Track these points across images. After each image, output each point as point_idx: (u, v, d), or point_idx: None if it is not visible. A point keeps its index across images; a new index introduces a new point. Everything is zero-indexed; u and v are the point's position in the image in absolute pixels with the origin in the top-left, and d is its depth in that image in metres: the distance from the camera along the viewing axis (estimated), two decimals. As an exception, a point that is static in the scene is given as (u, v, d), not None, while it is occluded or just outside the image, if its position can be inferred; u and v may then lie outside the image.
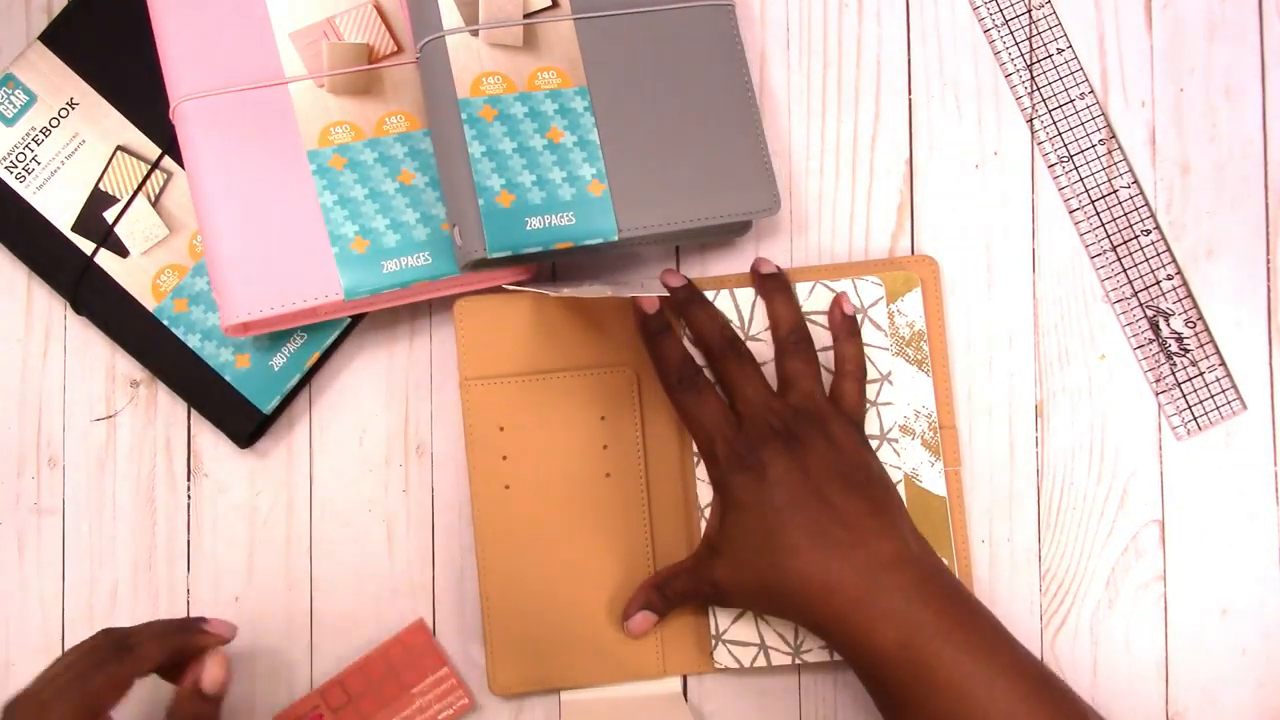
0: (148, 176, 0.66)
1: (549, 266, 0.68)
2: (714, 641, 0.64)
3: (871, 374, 0.65)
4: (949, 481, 0.66)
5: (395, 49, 0.65)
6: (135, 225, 0.66)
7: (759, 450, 0.60)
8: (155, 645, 0.57)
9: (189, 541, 0.67)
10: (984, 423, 0.67)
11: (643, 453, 0.65)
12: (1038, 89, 0.69)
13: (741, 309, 0.65)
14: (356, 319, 0.66)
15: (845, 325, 0.64)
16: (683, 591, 0.63)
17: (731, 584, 0.61)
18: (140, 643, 0.57)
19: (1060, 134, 0.68)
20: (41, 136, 0.66)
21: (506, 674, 0.65)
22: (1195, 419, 0.67)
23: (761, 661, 0.64)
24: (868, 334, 0.65)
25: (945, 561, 0.64)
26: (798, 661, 0.64)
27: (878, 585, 0.57)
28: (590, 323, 0.66)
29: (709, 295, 0.65)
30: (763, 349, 0.65)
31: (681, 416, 0.63)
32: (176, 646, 0.58)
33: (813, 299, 0.65)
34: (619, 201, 0.62)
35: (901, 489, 0.64)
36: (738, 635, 0.64)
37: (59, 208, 0.66)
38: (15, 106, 0.66)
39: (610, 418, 0.65)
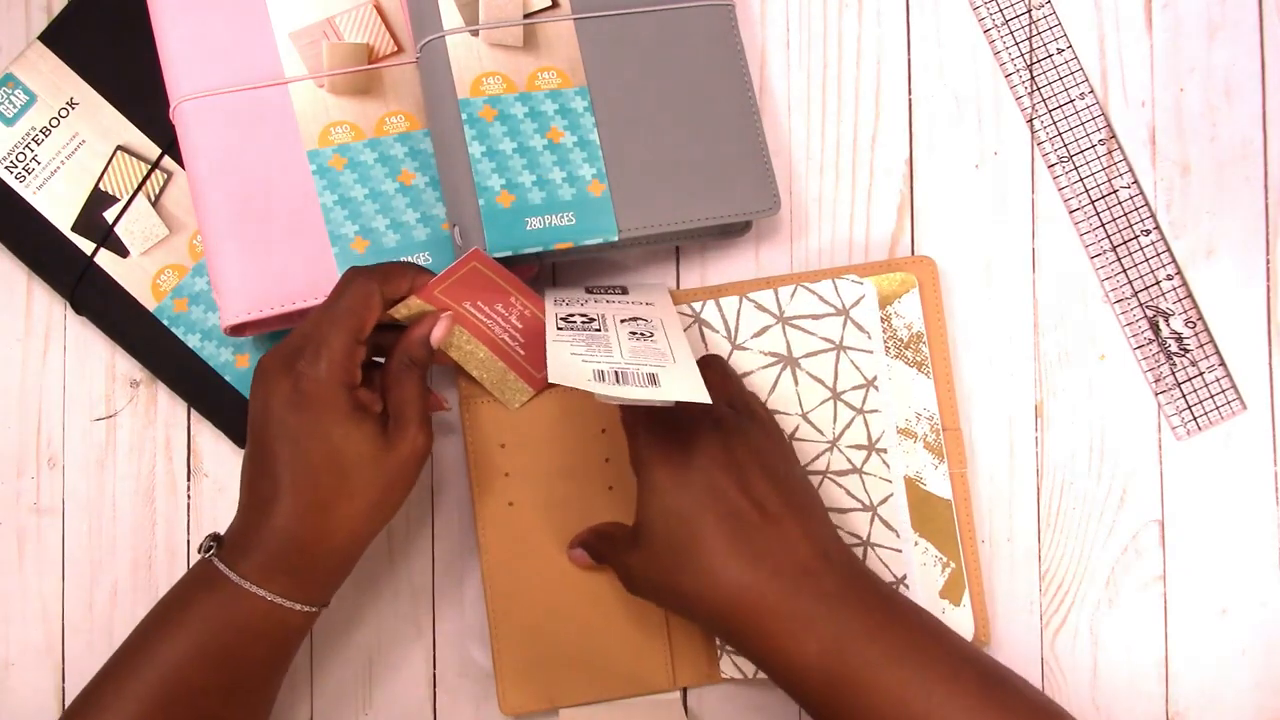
0: (148, 176, 0.66)
1: (549, 266, 0.68)
2: (720, 652, 0.64)
3: (856, 380, 0.64)
4: (954, 484, 0.65)
5: (395, 49, 0.65)
6: (135, 225, 0.66)
7: (688, 429, 0.56)
8: (396, 267, 0.58)
9: (189, 541, 0.67)
10: (983, 423, 0.67)
11: None
12: (1038, 89, 0.69)
13: (728, 318, 0.65)
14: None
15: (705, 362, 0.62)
16: (608, 559, 0.61)
17: (642, 577, 0.57)
18: (381, 266, 0.58)
19: (1060, 134, 0.68)
20: (41, 136, 0.66)
21: (517, 694, 0.64)
22: (1195, 419, 0.67)
23: None
24: (849, 338, 0.65)
25: (954, 565, 0.64)
26: None
27: (798, 589, 0.54)
28: None
29: (697, 307, 0.65)
30: (749, 358, 0.65)
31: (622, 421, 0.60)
32: (415, 275, 0.58)
33: (794, 303, 0.65)
34: (619, 201, 0.62)
35: (904, 492, 0.64)
36: None
37: (59, 208, 0.66)
38: (15, 106, 0.66)
39: (611, 431, 0.65)
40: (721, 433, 0.57)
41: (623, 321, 0.60)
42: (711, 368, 0.62)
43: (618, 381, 0.53)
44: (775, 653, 0.54)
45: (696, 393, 0.52)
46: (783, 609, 0.54)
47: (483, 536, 0.65)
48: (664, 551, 0.56)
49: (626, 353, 0.56)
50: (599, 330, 0.59)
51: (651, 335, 0.59)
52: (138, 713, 0.54)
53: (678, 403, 0.52)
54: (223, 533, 0.58)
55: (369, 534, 0.57)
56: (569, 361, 0.55)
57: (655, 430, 0.57)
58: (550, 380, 0.53)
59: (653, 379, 0.54)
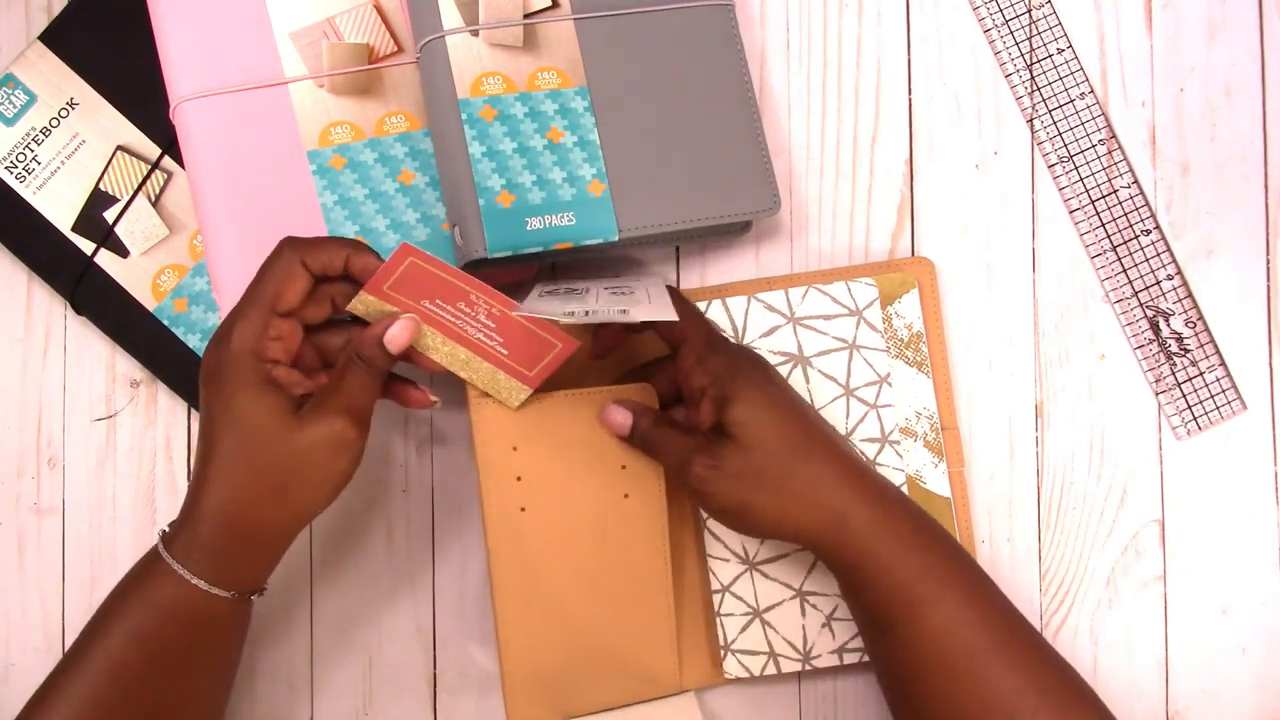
0: (148, 176, 0.66)
1: (549, 266, 0.68)
2: (723, 652, 0.64)
3: (869, 376, 0.65)
4: (953, 483, 0.66)
5: (395, 49, 0.65)
6: (135, 225, 0.66)
7: (747, 356, 0.59)
8: (328, 241, 0.56)
9: (189, 541, 0.67)
10: (984, 423, 0.67)
11: (663, 473, 0.62)
12: (1038, 89, 0.69)
13: (734, 317, 0.65)
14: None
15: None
16: (661, 445, 0.59)
17: (742, 469, 0.57)
18: (314, 240, 0.56)
19: (1060, 134, 0.68)
20: (41, 136, 0.66)
21: (526, 705, 0.62)
22: (1195, 419, 0.67)
23: (772, 669, 0.64)
24: (862, 337, 0.65)
25: None
26: (807, 667, 0.64)
27: (883, 488, 0.58)
28: None
29: (702, 306, 0.65)
30: None
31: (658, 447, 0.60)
32: (350, 252, 0.56)
33: (806, 303, 0.65)
34: (619, 201, 0.62)
35: (904, 491, 0.64)
36: (747, 644, 0.64)
37: (59, 208, 0.66)
38: (15, 106, 0.66)
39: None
40: (770, 368, 0.59)
41: (605, 288, 0.60)
42: (689, 310, 0.61)
43: (586, 316, 0.54)
44: (866, 538, 0.57)
45: (665, 313, 0.54)
46: (880, 500, 0.57)
47: (493, 543, 0.61)
48: (771, 441, 0.56)
49: (602, 300, 0.57)
50: (580, 294, 0.59)
51: (632, 292, 0.59)
52: (84, 695, 0.55)
53: (650, 323, 0.54)
54: None
55: (292, 518, 0.55)
56: (544, 307, 0.56)
57: (723, 345, 0.58)
58: (521, 313, 0.53)
59: (623, 312, 0.54)
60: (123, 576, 0.57)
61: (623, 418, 0.60)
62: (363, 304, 0.57)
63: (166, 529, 0.57)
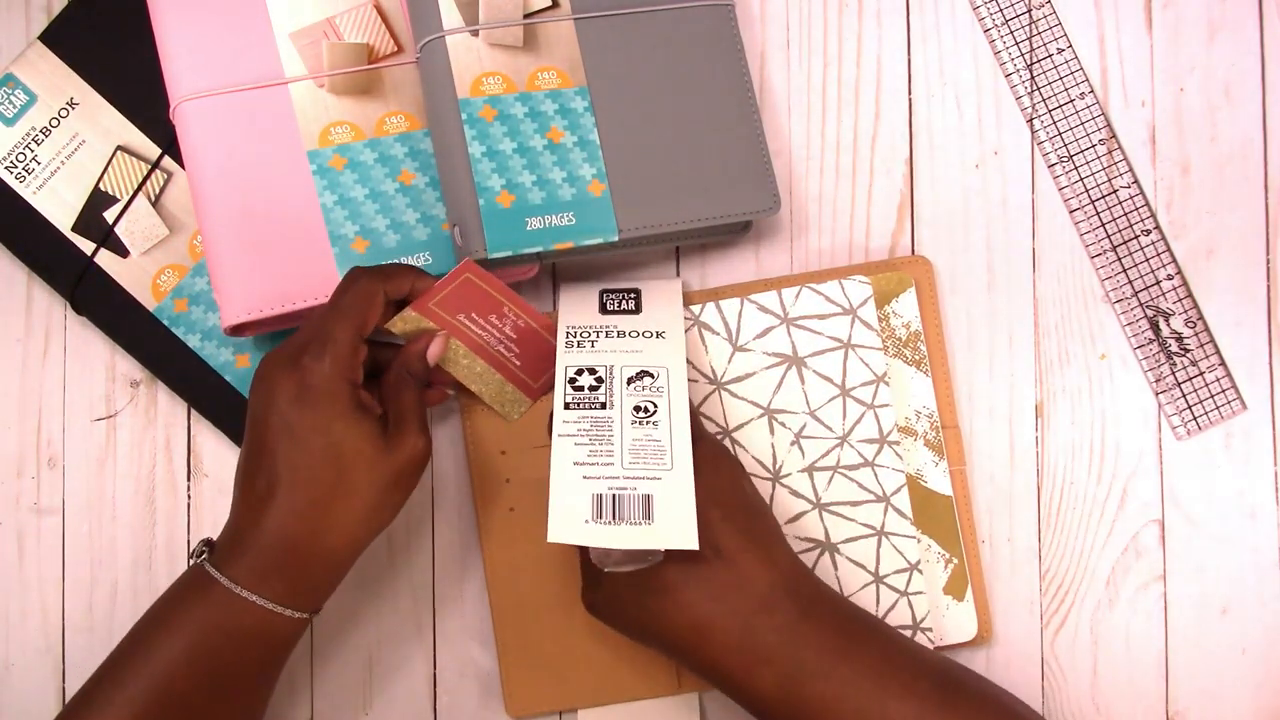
0: (148, 176, 0.66)
1: (549, 266, 0.68)
2: None
3: (866, 376, 0.65)
4: (954, 481, 0.66)
5: (395, 49, 0.65)
6: (135, 225, 0.66)
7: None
8: (399, 269, 0.59)
9: (189, 542, 0.67)
10: (984, 423, 0.67)
11: None
12: (1038, 89, 0.69)
13: (728, 320, 0.65)
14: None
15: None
16: (583, 573, 0.60)
17: (607, 615, 0.58)
18: (386, 267, 0.59)
19: (1060, 134, 0.68)
20: (41, 136, 0.66)
21: (523, 696, 0.64)
22: (1195, 419, 0.67)
23: None
24: (857, 335, 0.65)
25: (956, 561, 0.64)
26: None
27: (754, 627, 0.55)
28: None
29: (696, 309, 0.65)
30: (752, 359, 0.65)
31: None
32: (415, 278, 0.59)
33: (799, 303, 0.65)
34: (619, 201, 0.62)
35: (906, 490, 0.64)
36: None
37: (59, 208, 0.66)
38: (15, 106, 0.66)
39: None
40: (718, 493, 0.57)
41: (629, 383, 0.60)
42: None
43: (614, 518, 0.55)
44: (734, 685, 0.55)
45: (687, 539, 0.54)
46: (740, 644, 0.55)
47: (486, 543, 0.65)
48: (625, 591, 0.56)
49: (627, 456, 0.57)
50: (603, 408, 0.59)
51: (654, 411, 0.59)
52: (129, 716, 0.54)
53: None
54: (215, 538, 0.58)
55: (364, 538, 0.57)
56: (570, 486, 0.56)
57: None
58: (550, 540, 0.55)
59: (646, 509, 0.55)
60: (159, 600, 0.57)
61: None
62: (403, 321, 0.59)
63: (205, 550, 0.57)
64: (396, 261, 0.62)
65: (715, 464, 0.58)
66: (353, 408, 0.55)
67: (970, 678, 0.57)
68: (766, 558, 0.56)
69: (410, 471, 0.57)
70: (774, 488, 0.65)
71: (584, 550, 0.59)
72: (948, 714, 0.54)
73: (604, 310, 0.65)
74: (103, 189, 0.66)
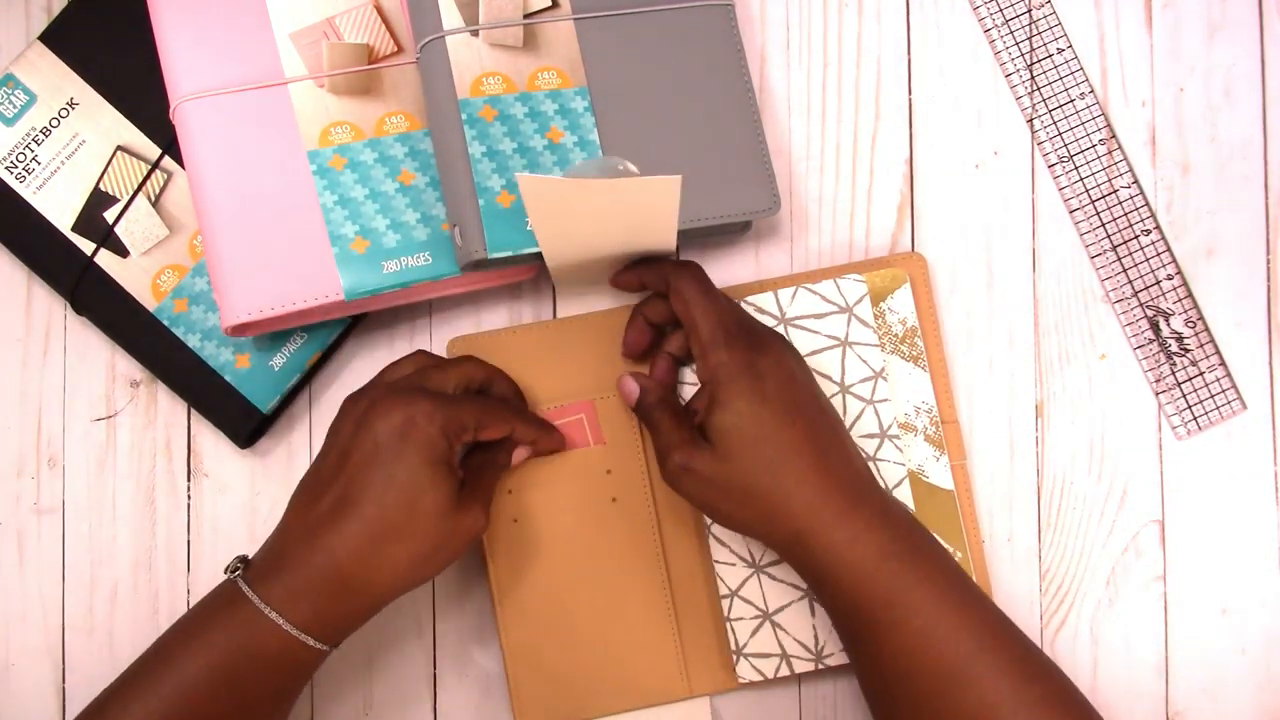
0: (148, 176, 0.66)
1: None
2: (735, 656, 0.64)
3: (864, 372, 0.65)
4: (955, 475, 0.66)
5: (395, 49, 0.65)
6: (135, 225, 0.66)
7: (757, 357, 0.58)
8: (547, 425, 0.64)
9: (189, 541, 0.67)
10: (984, 422, 0.67)
11: (648, 476, 0.65)
12: (1038, 89, 0.69)
13: None
14: (357, 319, 0.66)
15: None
16: (660, 433, 0.60)
17: (711, 476, 0.58)
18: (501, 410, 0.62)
19: (1060, 134, 0.68)
20: (41, 136, 0.66)
21: (532, 709, 0.64)
22: (1195, 419, 0.67)
23: (785, 670, 0.64)
24: (854, 333, 0.65)
25: (959, 555, 0.64)
26: (820, 666, 0.64)
27: (860, 501, 0.57)
28: (586, 350, 0.66)
29: None
30: None
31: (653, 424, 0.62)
32: (551, 434, 0.64)
33: (795, 304, 0.65)
34: (619, 201, 0.62)
35: (907, 486, 0.64)
36: (758, 647, 0.64)
37: (59, 208, 0.66)
38: (15, 106, 0.66)
39: (612, 443, 0.65)
40: (785, 356, 0.59)
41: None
42: (699, 299, 0.61)
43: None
44: (833, 558, 0.57)
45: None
46: (849, 515, 0.57)
47: (490, 554, 0.64)
48: (744, 453, 0.57)
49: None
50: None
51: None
52: None
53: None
54: (251, 555, 0.58)
55: (404, 586, 0.58)
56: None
57: (733, 343, 0.58)
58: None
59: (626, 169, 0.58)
60: (189, 612, 0.58)
61: (632, 388, 0.63)
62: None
63: (240, 566, 0.57)
64: (550, 423, 0.65)
65: (794, 349, 0.61)
66: (445, 460, 0.58)
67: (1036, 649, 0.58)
68: (849, 441, 0.60)
69: (465, 540, 0.58)
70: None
71: (661, 426, 0.60)
72: (1008, 650, 0.56)
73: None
74: (103, 189, 0.66)
